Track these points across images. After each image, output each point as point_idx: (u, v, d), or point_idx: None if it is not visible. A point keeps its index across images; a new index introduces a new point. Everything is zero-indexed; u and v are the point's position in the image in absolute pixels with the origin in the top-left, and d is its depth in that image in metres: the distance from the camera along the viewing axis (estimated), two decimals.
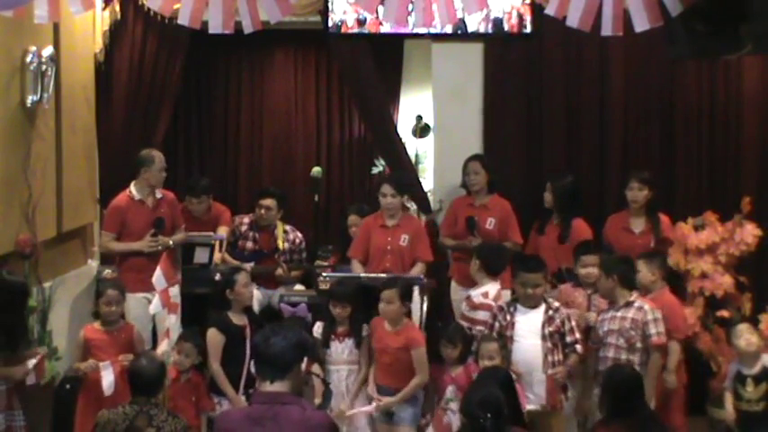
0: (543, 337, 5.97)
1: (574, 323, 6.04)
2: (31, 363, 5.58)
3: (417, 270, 7.00)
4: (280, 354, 3.97)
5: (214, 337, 6.13)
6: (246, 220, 7.85)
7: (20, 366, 5.54)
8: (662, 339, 5.99)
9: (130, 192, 7.05)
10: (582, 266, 6.49)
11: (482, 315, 6.24)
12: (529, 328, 6.00)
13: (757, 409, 5.90)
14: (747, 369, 5.96)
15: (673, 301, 6.46)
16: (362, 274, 6.88)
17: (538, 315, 6.02)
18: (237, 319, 6.25)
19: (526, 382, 5.91)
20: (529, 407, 5.83)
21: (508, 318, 6.07)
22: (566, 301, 6.34)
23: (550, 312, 6.02)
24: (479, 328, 6.18)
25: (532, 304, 6.05)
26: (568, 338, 6.01)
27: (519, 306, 6.09)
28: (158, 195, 7.11)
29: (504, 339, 6.01)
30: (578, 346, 6.00)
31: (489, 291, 6.34)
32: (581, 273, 6.49)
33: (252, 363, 4.15)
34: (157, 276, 6.27)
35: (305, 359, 4.17)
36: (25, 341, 5.86)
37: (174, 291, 6.98)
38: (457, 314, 7.07)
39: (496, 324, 6.11)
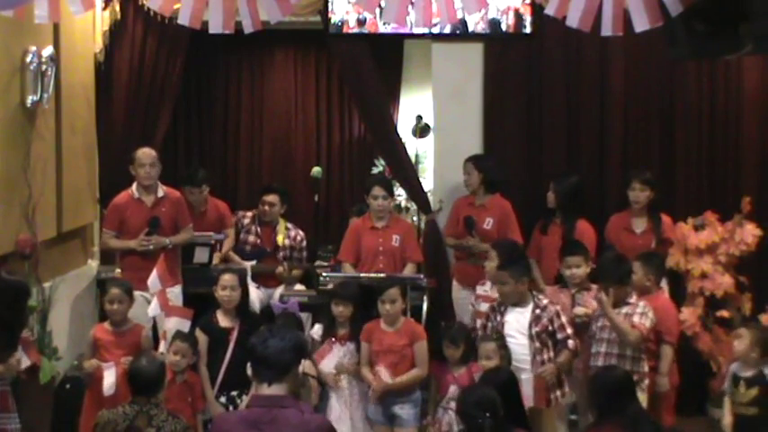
0: (530, 337, 5.95)
1: (564, 319, 6.00)
2: (18, 350, 5.57)
3: (408, 271, 7.02)
4: (277, 356, 3.93)
5: (198, 337, 6.18)
6: (249, 214, 7.96)
7: (11, 360, 5.53)
8: (641, 327, 5.91)
9: (131, 190, 7.10)
10: (566, 267, 6.45)
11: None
12: (517, 328, 6.00)
13: (747, 413, 5.81)
14: (743, 371, 5.91)
15: (668, 304, 6.45)
16: (362, 275, 6.89)
17: (525, 315, 6.01)
18: (225, 320, 6.27)
19: None
20: None
21: (499, 317, 6.08)
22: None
23: (537, 311, 5.99)
24: None
25: (515, 301, 6.04)
26: (559, 335, 5.97)
27: (509, 306, 6.09)
28: (160, 194, 7.12)
29: (503, 339, 6.02)
30: (570, 342, 5.96)
31: None
32: (566, 274, 6.45)
33: (248, 365, 4.07)
34: (153, 279, 6.27)
35: (302, 361, 4.15)
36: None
37: (176, 290, 7.01)
38: (461, 313, 7.12)
39: (489, 324, 6.11)
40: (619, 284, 6.03)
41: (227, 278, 6.30)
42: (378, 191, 7.09)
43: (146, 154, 7.08)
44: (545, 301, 6.08)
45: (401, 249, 7.09)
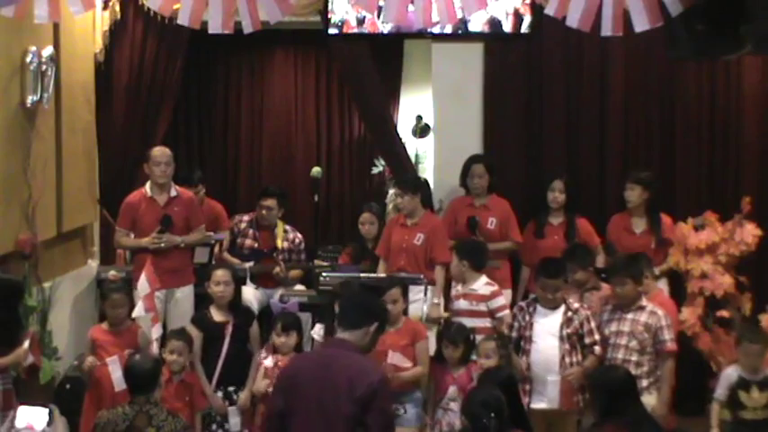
0: (561, 339, 5.95)
1: (593, 324, 6.01)
2: (26, 343, 5.57)
3: (437, 275, 6.87)
4: (359, 308, 4.50)
5: (191, 333, 6.19)
6: (246, 218, 7.89)
7: (19, 350, 5.52)
8: (675, 346, 5.98)
9: (145, 189, 7.12)
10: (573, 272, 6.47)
11: (503, 300, 6.46)
12: (548, 330, 5.99)
13: (763, 416, 5.79)
14: (751, 375, 5.87)
15: (667, 301, 6.46)
16: (362, 275, 6.89)
17: (557, 316, 6.01)
18: (219, 315, 6.30)
19: (541, 382, 5.92)
20: (544, 407, 5.88)
21: (527, 318, 6.07)
22: None
23: (569, 314, 6.00)
24: (506, 312, 6.31)
25: (552, 306, 6.06)
26: (587, 340, 5.98)
27: (539, 307, 6.08)
28: (173, 193, 7.13)
29: (504, 338, 6.03)
30: (597, 348, 5.97)
31: (485, 280, 6.49)
32: (575, 278, 6.44)
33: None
34: (141, 282, 6.26)
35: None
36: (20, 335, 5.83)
37: (187, 290, 7.08)
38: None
39: (515, 323, 6.12)
40: (627, 281, 6.03)
41: (220, 273, 6.36)
42: (397, 191, 7.16)
43: (161, 152, 7.09)
44: (576, 305, 6.08)
45: (425, 249, 6.99)
